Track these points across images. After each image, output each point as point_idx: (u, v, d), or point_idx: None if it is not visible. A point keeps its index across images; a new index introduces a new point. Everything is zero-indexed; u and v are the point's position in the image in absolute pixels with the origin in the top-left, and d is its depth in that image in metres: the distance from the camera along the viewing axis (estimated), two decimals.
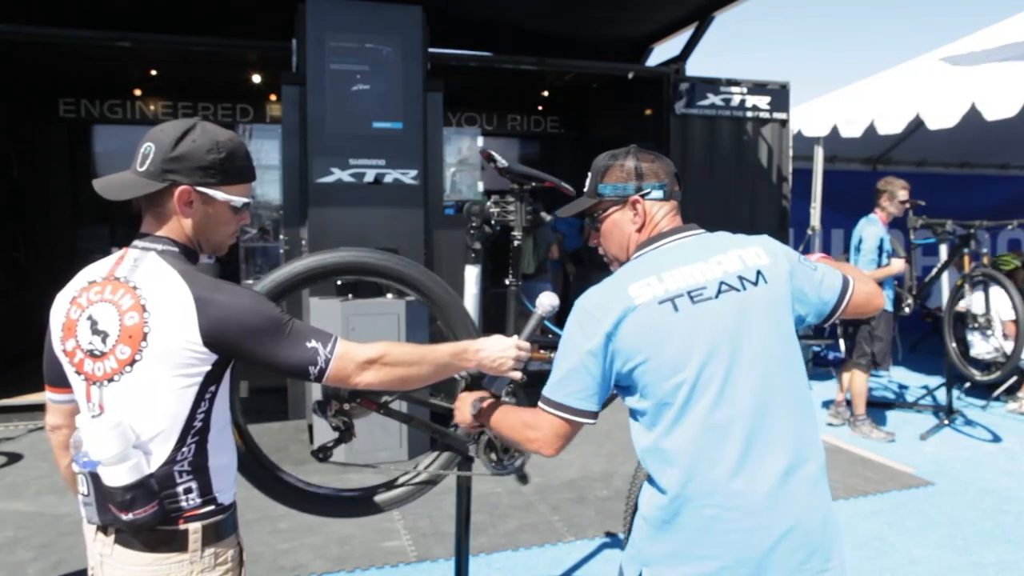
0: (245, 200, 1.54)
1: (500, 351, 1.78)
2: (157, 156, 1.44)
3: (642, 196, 1.63)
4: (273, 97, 7.99)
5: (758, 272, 1.55)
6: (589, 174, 1.72)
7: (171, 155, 1.44)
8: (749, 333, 1.49)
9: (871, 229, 5.32)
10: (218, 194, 1.48)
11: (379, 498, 2.15)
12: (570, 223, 7.59)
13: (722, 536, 1.43)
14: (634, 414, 1.55)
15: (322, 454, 2.03)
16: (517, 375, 1.82)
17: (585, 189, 1.73)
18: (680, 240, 1.61)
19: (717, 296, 1.50)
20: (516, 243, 2.22)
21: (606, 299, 1.51)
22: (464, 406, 1.85)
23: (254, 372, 1.59)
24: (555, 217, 2.52)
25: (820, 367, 7.57)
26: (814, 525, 1.46)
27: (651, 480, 1.52)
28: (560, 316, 1.99)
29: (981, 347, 6.19)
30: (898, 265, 5.39)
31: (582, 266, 7.90)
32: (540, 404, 1.57)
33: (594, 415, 1.54)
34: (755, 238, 1.64)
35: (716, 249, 1.57)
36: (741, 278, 1.53)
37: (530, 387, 2.06)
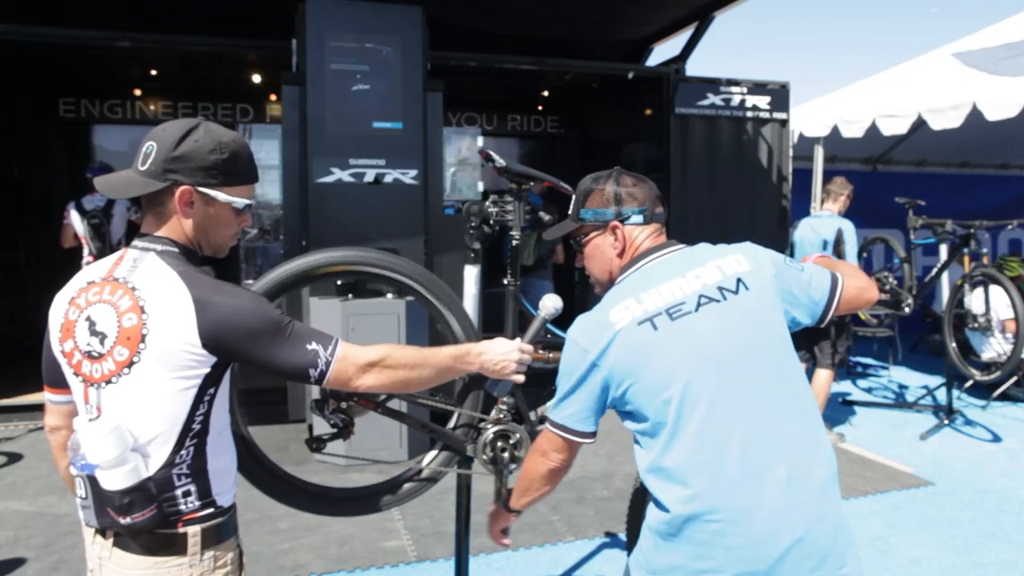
0: (247, 202, 1.53)
1: (502, 354, 1.77)
2: (159, 155, 1.44)
3: (622, 221, 1.66)
4: (273, 97, 7.98)
5: (738, 280, 1.55)
6: (573, 197, 1.74)
7: (173, 154, 1.43)
8: (735, 342, 1.49)
9: (849, 224, 5.30)
10: (220, 195, 1.48)
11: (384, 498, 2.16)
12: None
13: (728, 550, 1.42)
14: (635, 437, 1.56)
15: (316, 444, 2.03)
16: (520, 378, 1.82)
17: (569, 212, 1.76)
18: (659, 258, 1.62)
19: (697, 310, 1.51)
20: (515, 243, 2.22)
21: (592, 328, 1.55)
22: (495, 519, 1.99)
23: (254, 372, 1.59)
24: (554, 216, 2.52)
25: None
26: (824, 534, 1.45)
27: (654, 499, 1.52)
28: (562, 318, 1.99)
29: (989, 352, 6.17)
30: None
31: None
32: (545, 423, 1.65)
33: (590, 435, 1.61)
34: (736, 246, 1.64)
35: (694, 263, 1.58)
36: (721, 288, 1.53)
37: (530, 388, 2.06)
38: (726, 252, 1.61)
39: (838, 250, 5.17)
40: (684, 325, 1.49)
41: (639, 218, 1.66)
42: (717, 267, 1.56)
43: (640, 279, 1.59)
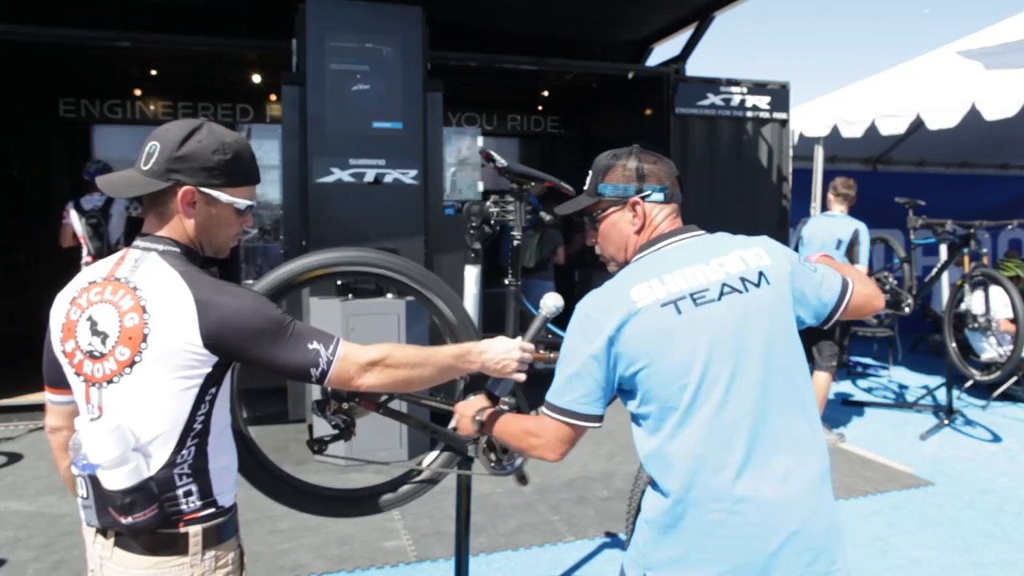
0: (249, 202, 1.53)
1: (504, 353, 1.77)
2: (162, 155, 1.44)
3: (642, 198, 1.62)
4: (273, 97, 7.98)
5: (760, 273, 1.54)
6: (590, 172, 1.70)
7: (176, 155, 1.43)
8: (752, 335, 1.49)
9: (864, 226, 5.28)
10: (222, 196, 1.48)
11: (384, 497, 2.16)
12: None
13: (726, 541, 1.43)
14: (636, 419, 1.54)
15: (317, 446, 2.03)
16: (521, 377, 1.82)
17: (585, 187, 1.71)
18: (680, 242, 1.60)
19: (720, 298, 1.49)
20: (516, 243, 2.22)
21: (608, 303, 1.50)
22: (466, 415, 1.84)
23: (254, 372, 1.59)
24: (555, 217, 2.52)
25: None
26: (818, 529, 1.46)
27: (654, 485, 1.51)
28: (563, 318, 1.99)
29: (991, 352, 6.17)
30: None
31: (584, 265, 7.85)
32: (543, 409, 1.57)
33: (599, 419, 1.54)
34: (755, 239, 1.63)
35: (717, 250, 1.56)
36: (743, 279, 1.52)
37: (531, 387, 2.06)
38: (748, 244, 1.60)
39: (852, 251, 5.16)
40: (707, 312, 1.48)
41: (660, 196, 1.63)
42: (740, 258, 1.55)
43: (660, 260, 1.56)
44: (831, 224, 5.33)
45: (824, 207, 6.41)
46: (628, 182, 1.63)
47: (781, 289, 1.55)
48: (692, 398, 1.44)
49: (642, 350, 1.46)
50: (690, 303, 1.48)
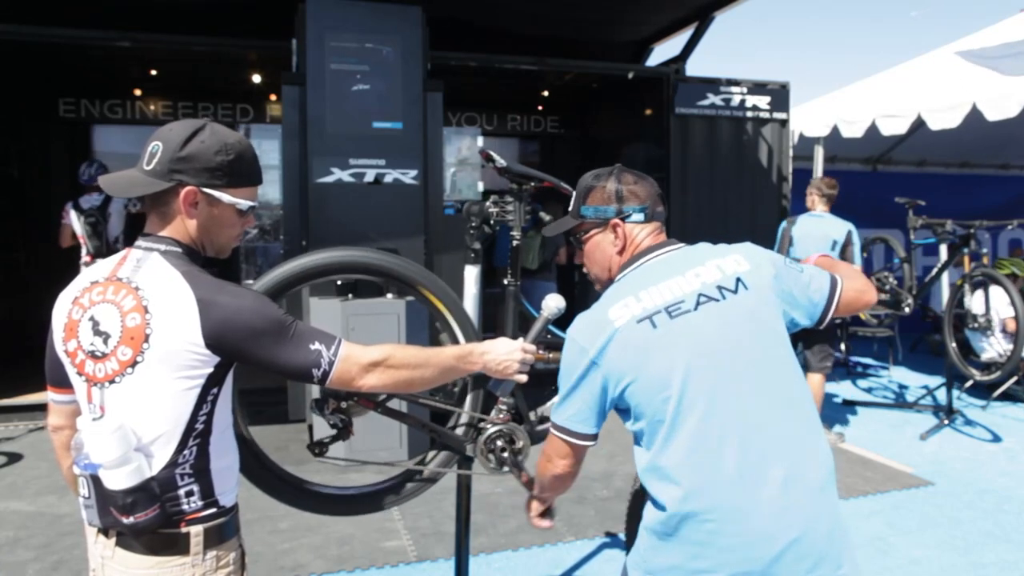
0: (251, 203, 1.53)
1: (505, 354, 1.78)
2: (164, 155, 1.44)
3: (622, 219, 1.65)
4: (273, 97, 7.98)
5: (738, 279, 1.55)
6: (574, 193, 1.74)
7: (179, 155, 1.43)
8: (734, 342, 1.49)
9: (854, 226, 5.24)
10: (224, 196, 1.48)
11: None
12: None
13: (724, 550, 1.42)
14: (635, 437, 1.56)
15: (318, 449, 2.03)
16: (523, 378, 1.82)
17: (570, 209, 1.76)
18: (659, 256, 1.62)
19: (696, 308, 1.51)
20: (515, 243, 2.22)
21: (590, 326, 1.55)
22: (528, 506, 1.92)
23: (255, 372, 1.59)
24: (555, 218, 2.52)
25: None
26: (819, 535, 1.44)
27: (651, 497, 1.52)
28: (565, 319, 1.99)
29: (991, 352, 6.17)
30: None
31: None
32: (549, 426, 1.65)
33: (591, 437, 1.60)
34: (736, 246, 1.64)
35: (694, 262, 1.58)
36: (720, 287, 1.54)
37: (531, 388, 2.06)
38: (726, 252, 1.61)
39: (846, 251, 5.13)
40: (683, 323, 1.49)
41: (640, 216, 1.66)
42: (717, 266, 1.57)
43: (640, 277, 1.59)
44: (822, 224, 5.25)
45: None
46: (608, 204, 1.66)
47: (761, 293, 1.55)
48: (675, 409, 1.45)
49: (624, 368, 1.49)
50: (665, 317, 1.50)
